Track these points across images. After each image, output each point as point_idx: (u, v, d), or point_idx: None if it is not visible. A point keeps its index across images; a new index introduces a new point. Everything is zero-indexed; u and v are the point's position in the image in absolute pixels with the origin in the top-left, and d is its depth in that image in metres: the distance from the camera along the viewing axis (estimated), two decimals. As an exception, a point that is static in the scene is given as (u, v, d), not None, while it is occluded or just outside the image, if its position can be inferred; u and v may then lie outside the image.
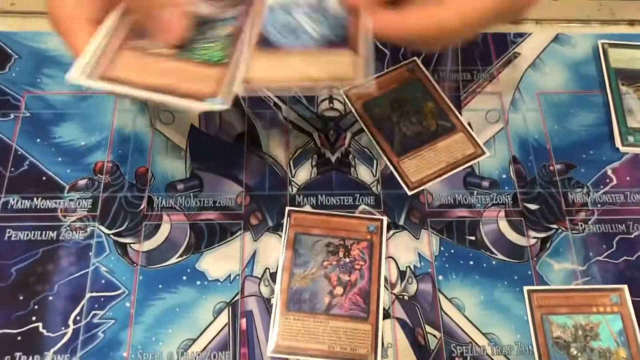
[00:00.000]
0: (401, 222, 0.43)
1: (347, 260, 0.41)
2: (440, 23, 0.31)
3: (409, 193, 0.43)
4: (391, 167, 0.44)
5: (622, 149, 0.46)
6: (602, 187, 0.45)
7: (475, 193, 0.44)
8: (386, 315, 0.40)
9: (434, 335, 0.39)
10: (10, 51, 0.47)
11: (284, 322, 0.39)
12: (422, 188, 0.43)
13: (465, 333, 0.39)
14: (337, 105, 0.47)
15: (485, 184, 0.44)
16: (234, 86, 0.31)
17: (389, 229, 0.42)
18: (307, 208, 0.43)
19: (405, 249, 0.42)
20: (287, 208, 0.42)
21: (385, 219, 0.42)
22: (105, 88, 0.30)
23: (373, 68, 0.32)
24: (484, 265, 0.41)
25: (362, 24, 0.32)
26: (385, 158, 0.44)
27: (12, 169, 0.43)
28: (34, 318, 0.38)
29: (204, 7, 0.33)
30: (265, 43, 0.33)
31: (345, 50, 0.32)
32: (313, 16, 0.33)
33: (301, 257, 0.41)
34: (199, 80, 0.30)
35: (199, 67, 0.31)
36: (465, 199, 0.44)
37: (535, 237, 0.43)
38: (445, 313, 0.40)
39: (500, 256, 0.42)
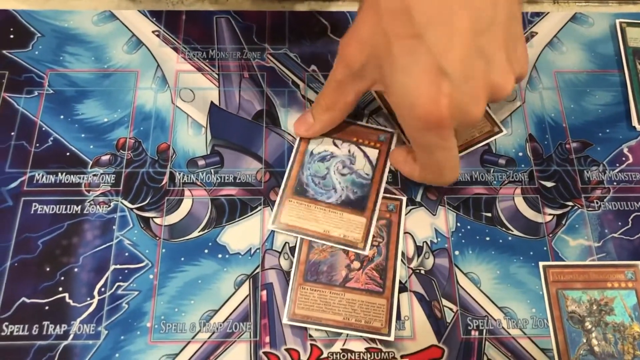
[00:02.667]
0: (418, 199, 0.43)
1: (365, 236, 0.42)
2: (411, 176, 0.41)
3: (426, 170, 0.43)
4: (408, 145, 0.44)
5: (639, 127, 0.46)
6: (617, 165, 0.45)
7: (492, 170, 0.44)
8: (403, 289, 0.40)
9: (450, 309, 0.40)
10: (33, 29, 0.48)
11: (301, 292, 0.40)
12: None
13: (481, 307, 0.40)
14: (354, 83, 0.47)
15: (502, 161, 0.45)
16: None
17: (406, 205, 0.43)
18: (326, 184, 0.44)
19: (422, 225, 0.42)
20: None
21: (404, 198, 0.43)
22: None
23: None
24: (500, 241, 0.42)
25: (378, 196, 0.42)
26: (402, 137, 0.45)
27: (37, 145, 0.44)
28: (60, 289, 0.39)
29: None
30: (299, 187, 0.42)
31: (360, 214, 0.42)
32: (342, 171, 0.43)
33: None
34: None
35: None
36: (482, 177, 0.44)
37: (551, 214, 0.43)
38: (462, 287, 0.41)
39: (516, 232, 0.42)
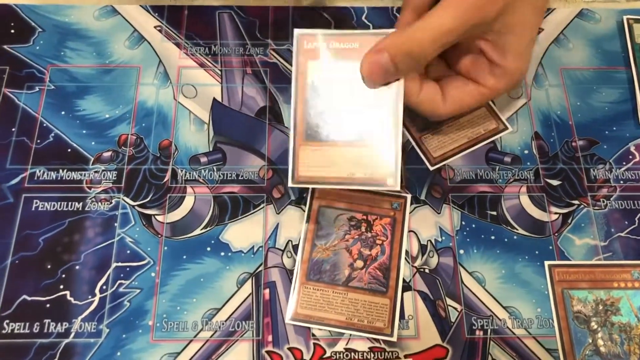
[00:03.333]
0: (422, 197, 0.43)
1: (369, 235, 0.41)
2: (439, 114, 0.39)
3: (431, 168, 0.43)
4: (413, 143, 0.44)
5: (646, 125, 0.46)
6: (624, 163, 0.44)
7: (497, 168, 0.44)
8: (407, 288, 0.40)
9: (455, 308, 0.40)
10: (34, 24, 0.48)
11: (304, 291, 0.39)
12: (444, 163, 0.43)
13: (486, 306, 0.40)
14: (358, 80, 0.47)
15: (507, 159, 0.44)
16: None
17: (410, 203, 0.42)
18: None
19: (427, 223, 0.42)
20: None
21: (409, 196, 0.42)
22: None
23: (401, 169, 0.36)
24: (505, 239, 0.42)
25: (399, 118, 0.37)
26: (407, 133, 0.44)
27: (38, 141, 0.43)
28: (61, 286, 0.39)
29: None
30: (309, 130, 0.37)
31: (382, 143, 0.36)
32: (352, 95, 0.37)
33: (323, 230, 0.41)
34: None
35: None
36: (487, 174, 0.44)
37: (556, 213, 0.43)
38: (466, 286, 0.40)
39: (521, 231, 0.42)
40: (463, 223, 0.42)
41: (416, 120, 0.44)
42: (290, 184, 0.36)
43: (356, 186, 0.36)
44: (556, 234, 0.42)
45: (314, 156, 0.36)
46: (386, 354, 0.38)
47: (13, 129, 0.44)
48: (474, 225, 0.42)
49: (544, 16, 0.49)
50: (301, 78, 0.37)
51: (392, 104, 0.36)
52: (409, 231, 0.42)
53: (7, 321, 0.38)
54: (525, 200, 0.43)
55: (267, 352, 0.38)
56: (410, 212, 0.42)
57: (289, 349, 0.38)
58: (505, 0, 0.34)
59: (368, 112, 0.37)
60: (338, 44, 0.38)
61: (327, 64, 0.37)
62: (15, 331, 0.38)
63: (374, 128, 0.37)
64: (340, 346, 0.38)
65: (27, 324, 0.38)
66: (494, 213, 0.42)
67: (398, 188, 0.36)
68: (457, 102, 0.38)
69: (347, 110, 0.37)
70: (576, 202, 0.43)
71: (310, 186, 0.38)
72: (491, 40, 0.36)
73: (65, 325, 0.38)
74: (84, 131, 0.44)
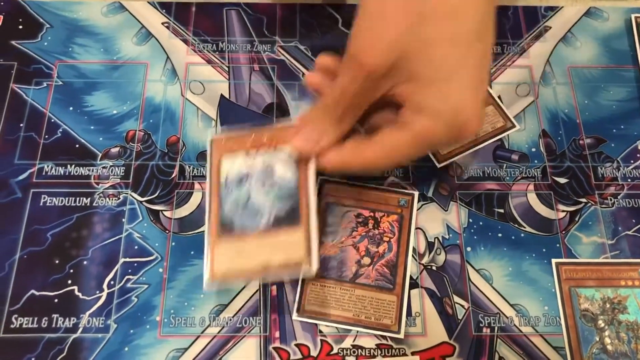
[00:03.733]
0: (430, 194, 0.43)
1: (377, 232, 0.41)
2: (369, 162, 0.35)
3: (438, 166, 0.43)
4: (420, 139, 0.44)
5: (654, 124, 0.46)
6: (632, 161, 0.44)
7: (504, 166, 0.44)
8: (414, 285, 0.40)
9: (462, 306, 0.40)
10: (42, 20, 0.48)
11: (311, 288, 0.39)
12: (451, 161, 0.43)
13: (493, 304, 0.40)
14: (366, 77, 0.47)
15: (515, 157, 0.44)
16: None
17: (417, 200, 0.42)
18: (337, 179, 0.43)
19: (434, 221, 0.42)
20: (320, 177, 0.42)
21: (416, 193, 0.42)
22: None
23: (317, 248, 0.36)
24: (512, 237, 0.42)
25: (310, 199, 0.36)
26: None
27: (46, 137, 0.43)
28: (69, 281, 0.39)
29: None
30: (223, 226, 0.36)
31: (296, 229, 0.36)
32: (264, 189, 0.37)
33: (331, 227, 0.41)
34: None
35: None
36: (495, 172, 0.44)
37: (564, 211, 0.43)
38: (473, 284, 0.40)
39: (528, 229, 0.42)
40: (470, 220, 0.42)
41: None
42: (205, 285, 0.35)
43: (273, 275, 0.37)
44: (563, 232, 0.42)
45: (229, 250, 0.36)
46: (393, 350, 0.38)
47: (21, 125, 0.44)
48: (481, 223, 0.42)
49: (551, 15, 0.49)
50: (215, 176, 0.38)
51: (303, 190, 0.37)
52: (416, 228, 0.42)
53: (16, 316, 0.38)
54: (532, 198, 0.43)
55: (275, 348, 0.38)
56: (417, 210, 0.42)
57: (296, 345, 0.38)
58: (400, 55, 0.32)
59: (280, 202, 0.37)
60: (250, 141, 0.38)
61: (239, 160, 0.38)
62: (24, 326, 0.38)
63: (287, 215, 0.37)
64: (347, 343, 0.38)
65: (35, 318, 0.38)
66: (501, 211, 0.42)
67: (314, 273, 0.36)
68: (387, 146, 0.35)
69: (259, 201, 0.37)
70: (583, 200, 0.43)
71: (228, 282, 0.37)
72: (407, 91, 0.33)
73: (73, 320, 0.38)
74: (92, 127, 0.44)
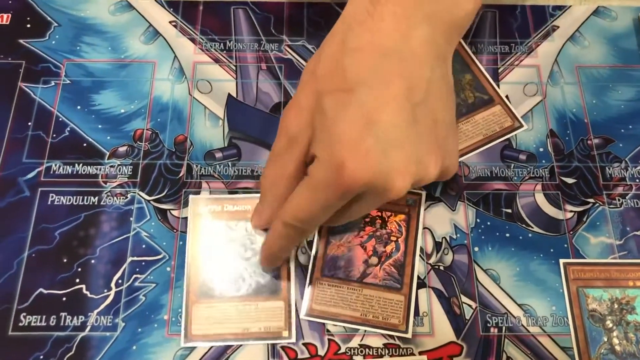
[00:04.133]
0: (437, 194, 0.43)
1: (384, 231, 0.41)
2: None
3: (446, 165, 0.43)
4: (428, 139, 0.44)
5: (662, 124, 0.45)
6: (640, 162, 0.44)
7: (512, 166, 0.44)
8: (422, 285, 0.40)
9: (470, 305, 0.39)
10: (50, 19, 0.48)
11: (318, 287, 0.39)
12: (459, 160, 0.43)
13: (501, 304, 0.40)
14: (373, 76, 0.47)
15: (523, 157, 0.44)
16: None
17: (425, 200, 0.42)
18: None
19: (441, 220, 0.42)
20: None
21: (424, 193, 0.42)
22: None
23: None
24: (520, 237, 0.42)
25: (291, 271, 0.39)
26: None
27: (54, 135, 0.44)
28: (77, 280, 0.39)
29: None
30: (204, 290, 0.38)
31: (276, 298, 0.38)
32: (245, 255, 0.40)
33: (338, 226, 0.41)
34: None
35: None
36: (502, 172, 0.44)
37: (572, 211, 0.42)
38: (481, 284, 0.40)
39: (536, 229, 0.42)
40: (478, 220, 0.42)
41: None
42: (182, 345, 0.37)
43: (251, 342, 0.37)
44: (571, 232, 0.42)
45: (208, 313, 0.38)
46: (401, 350, 0.38)
47: (29, 123, 0.44)
48: (488, 223, 0.42)
49: (559, 15, 0.49)
50: (195, 239, 0.40)
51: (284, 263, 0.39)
52: (424, 228, 0.42)
53: (24, 314, 0.38)
54: (540, 198, 0.43)
55: (282, 347, 0.38)
56: (425, 209, 0.42)
57: (304, 344, 0.38)
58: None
59: (261, 269, 0.39)
60: (231, 207, 0.41)
61: (220, 224, 0.40)
62: (32, 324, 0.38)
63: (268, 285, 0.39)
64: (354, 342, 0.38)
65: (44, 316, 0.38)
66: (509, 211, 0.42)
67: (294, 340, 0.38)
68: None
69: (240, 267, 0.39)
70: (591, 200, 0.43)
71: (203, 345, 0.37)
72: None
73: (82, 318, 0.38)
74: (100, 126, 0.44)
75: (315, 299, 0.39)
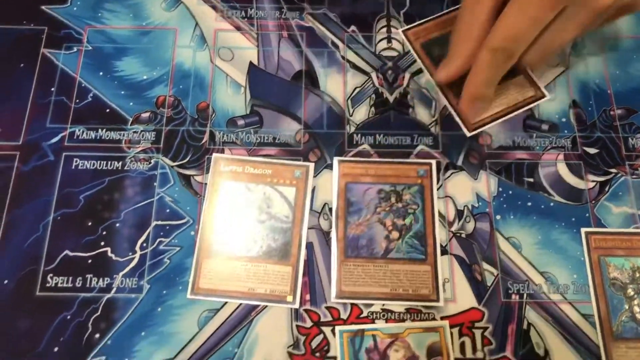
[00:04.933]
0: (459, 163, 0.43)
1: (400, 205, 0.41)
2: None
3: (468, 134, 0.43)
4: (450, 109, 0.44)
5: (686, 95, 0.45)
6: (663, 133, 0.44)
7: (534, 136, 0.44)
8: (443, 252, 0.40)
9: (491, 273, 0.40)
10: (71, -15, 0.48)
11: (344, 269, 0.39)
12: (481, 130, 0.43)
13: (522, 271, 0.40)
14: (395, 45, 0.47)
15: (545, 127, 0.44)
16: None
17: (446, 169, 0.42)
18: (365, 147, 0.43)
19: (463, 189, 0.42)
20: (335, 159, 0.42)
21: (434, 162, 0.42)
22: None
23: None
24: (542, 206, 0.42)
25: (302, 240, 0.40)
26: (444, 99, 0.44)
27: (77, 101, 0.44)
28: (102, 243, 0.40)
29: None
30: (215, 247, 0.39)
31: (285, 264, 0.39)
32: (260, 217, 0.40)
33: (354, 206, 0.41)
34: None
35: None
36: (524, 142, 0.44)
37: (594, 181, 0.42)
38: (502, 251, 0.40)
39: (558, 198, 0.42)
40: (500, 189, 0.42)
41: (453, 87, 0.44)
42: (188, 296, 0.38)
43: (256, 301, 0.38)
44: (593, 202, 0.42)
45: (217, 269, 0.39)
46: (422, 315, 0.38)
47: (52, 89, 0.44)
48: (510, 192, 0.42)
49: None
50: (213, 196, 0.40)
51: (297, 229, 0.40)
52: (446, 196, 0.42)
53: (51, 275, 0.39)
54: (562, 168, 0.43)
55: (305, 310, 0.38)
56: (446, 178, 0.42)
57: (327, 307, 0.38)
58: None
59: (274, 234, 0.40)
60: (252, 169, 0.41)
61: (239, 186, 0.41)
62: (59, 285, 0.38)
63: (279, 249, 0.39)
64: (376, 307, 0.39)
65: (70, 278, 0.39)
66: (531, 180, 0.42)
67: (297, 306, 0.38)
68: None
69: (254, 228, 0.40)
70: (614, 170, 0.43)
71: (209, 299, 0.38)
72: None
73: (107, 280, 0.39)
74: (122, 92, 0.44)
75: (343, 281, 0.39)
